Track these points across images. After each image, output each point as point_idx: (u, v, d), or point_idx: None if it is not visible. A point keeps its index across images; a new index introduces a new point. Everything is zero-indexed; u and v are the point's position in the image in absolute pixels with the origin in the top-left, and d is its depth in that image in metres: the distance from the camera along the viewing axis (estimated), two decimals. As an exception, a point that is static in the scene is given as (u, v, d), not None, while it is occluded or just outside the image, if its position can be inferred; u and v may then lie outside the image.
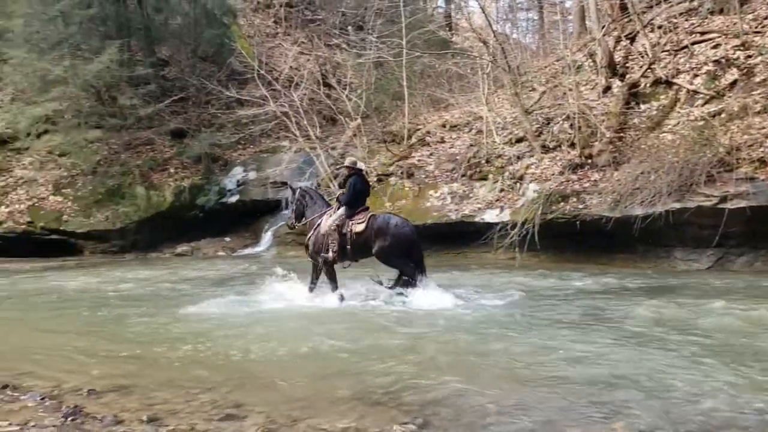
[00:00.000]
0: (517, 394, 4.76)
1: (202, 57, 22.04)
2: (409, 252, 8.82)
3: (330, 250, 8.86)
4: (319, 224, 9.14)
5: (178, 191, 19.04)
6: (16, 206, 18.30)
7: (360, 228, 8.77)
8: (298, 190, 9.84)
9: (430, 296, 8.50)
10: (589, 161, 13.71)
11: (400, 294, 8.77)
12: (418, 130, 17.85)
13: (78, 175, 18.92)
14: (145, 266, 15.13)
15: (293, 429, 4.10)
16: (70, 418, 4.37)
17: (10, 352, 6.51)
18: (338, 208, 9.08)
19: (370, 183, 16.21)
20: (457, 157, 15.82)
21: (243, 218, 19.05)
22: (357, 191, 8.99)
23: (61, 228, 18.09)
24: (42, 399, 4.84)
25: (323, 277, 9.23)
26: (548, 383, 5.04)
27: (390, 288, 8.95)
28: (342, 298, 8.83)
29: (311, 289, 9.21)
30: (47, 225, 18.06)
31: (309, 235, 9.29)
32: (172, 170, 19.54)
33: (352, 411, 4.42)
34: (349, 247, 8.84)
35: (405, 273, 8.85)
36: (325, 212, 9.22)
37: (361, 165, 9.48)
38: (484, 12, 17.23)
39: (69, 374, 5.51)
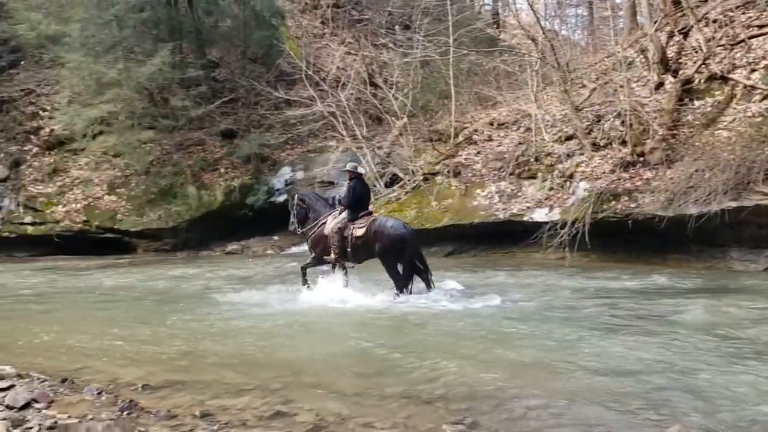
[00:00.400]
0: (565, 395, 4.70)
1: (251, 58, 22.31)
2: (402, 252, 8.94)
3: (332, 251, 9.25)
4: (323, 224, 9.52)
5: (229, 191, 19.34)
6: (73, 205, 18.89)
7: (360, 232, 9.07)
8: (296, 197, 10.35)
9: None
10: (641, 159, 13.40)
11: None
12: (465, 128, 17.71)
13: (132, 175, 19.41)
14: (195, 264, 15.43)
15: (343, 427, 4.12)
16: (125, 412, 4.48)
17: (64, 347, 6.71)
18: (341, 212, 9.43)
19: (416, 183, 16.45)
20: (505, 156, 15.63)
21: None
22: (357, 194, 9.30)
23: (116, 227, 18.60)
24: (99, 393, 4.98)
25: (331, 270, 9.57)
26: (596, 384, 4.98)
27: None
28: (308, 288, 9.39)
29: (345, 281, 9.44)
30: (102, 224, 18.59)
31: (312, 232, 9.74)
32: (222, 170, 19.86)
33: (402, 410, 4.43)
34: (349, 249, 9.19)
35: (392, 276, 9.01)
36: (330, 213, 9.57)
37: (361, 169, 9.86)
38: (532, 9, 17.03)
39: (123, 370, 5.67)
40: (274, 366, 5.78)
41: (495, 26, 28.29)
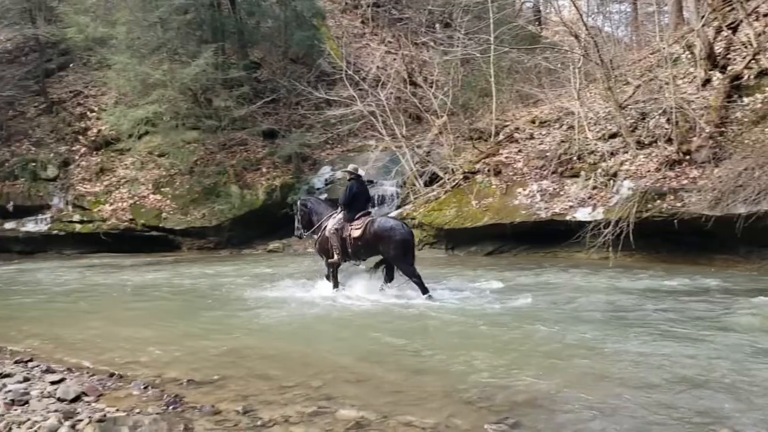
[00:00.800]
0: (608, 396, 4.65)
1: (292, 59, 22.52)
2: (407, 253, 9.18)
3: (334, 253, 9.50)
4: (325, 227, 9.76)
5: (270, 190, 19.53)
6: (119, 204, 19.32)
7: (357, 233, 9.28)
8: (298, 202, 10.79)
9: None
10: (688, 157, 13.12)
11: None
12: (506, 126, 17.57)
13: (176, 174, 19.76)
14: (236, 262, 15.66)
15: (384, 424, 4.14)
16: (171, 407, 4.59)
17: (109, 343, 6.89)
18: (339, 212, 9.69)
19: (456, 181, 16.38)
20: (547, 154, 15.45)
21: (331, 216, 19.31)
22: (353, 194, 9.55)
23: (161, 225, 18.96)
24: (145, 388, 5.10)
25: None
26: (639, 385, 4.90)
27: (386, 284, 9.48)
28: (336, 287, 9.60)
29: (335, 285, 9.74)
30: (148, 222, 18.97)
31: (317, 237, 10.00)
32: (264, 170, 20.07)
33: (443, 409, 4.43)
34: (350, 250, 9.43)
35: (406, 273, 9.18)
36: (331, 215, 9.84)
37: (360, 171, 10.13)
38: (575, 5, 16.77)
39: (167, 365, 5.79)
40: (314, 363, 5.83)
41: (536, 23, 28.02)
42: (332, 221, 9.61)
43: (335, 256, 9.49)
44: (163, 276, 13.12)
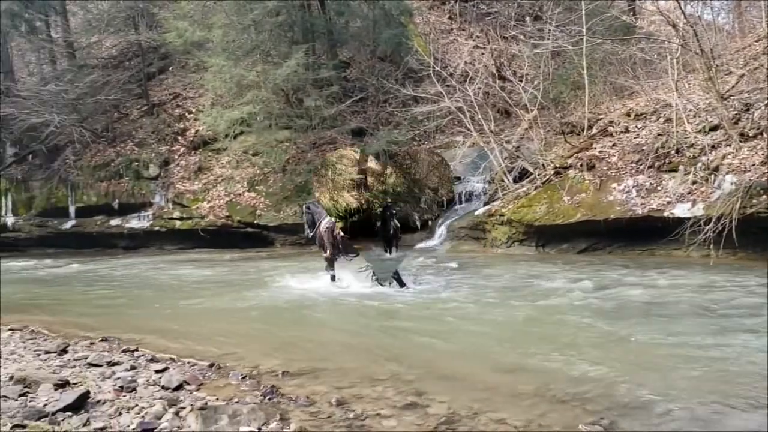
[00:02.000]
0: (711, 401, 4.44)
1: (380, 57, 22.67)
2: None
3: (326, 249, 10.64)
4: (319, 225, 10.88)
5: (359, 187, 19.76)
6: (216, 201, 20.07)
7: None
8: (304, 206, 12.03)
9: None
10: (797, 150, 12.37)
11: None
12: (600, 119, 17.06)
13: (270, 172, 20.33)
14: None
15: (474, 421, 4.13)
16: (267, 397, 4.75)
17: (207, 334, 7.18)
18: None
19: (547, 177, 16.04)
20: (644, 148, 14.89)
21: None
22: None
23: (255, 222, 19.55)
24: (243, 378, 5.31)
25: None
26: (743, 392, 4.67)
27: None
28: (333, 279, 10.66)
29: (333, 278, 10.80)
30: (243, 219, 19.61)
31: (316, 233, 11.13)
32: (353, 167, 20.32)
33: (535, 407, 4.38)
34: (340, 246, 10.62)
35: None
36: (325, 216, 11.04)
37: None
38: (672, -7, 16.10)
39: (263, 357, 5.99)
40: (403, 358, 5.89)
41: (631, 13, 27.00)
42: (326, 221, 10.77)
43: (328, 251, 10.57)
44: (261, 269, 13.57)
